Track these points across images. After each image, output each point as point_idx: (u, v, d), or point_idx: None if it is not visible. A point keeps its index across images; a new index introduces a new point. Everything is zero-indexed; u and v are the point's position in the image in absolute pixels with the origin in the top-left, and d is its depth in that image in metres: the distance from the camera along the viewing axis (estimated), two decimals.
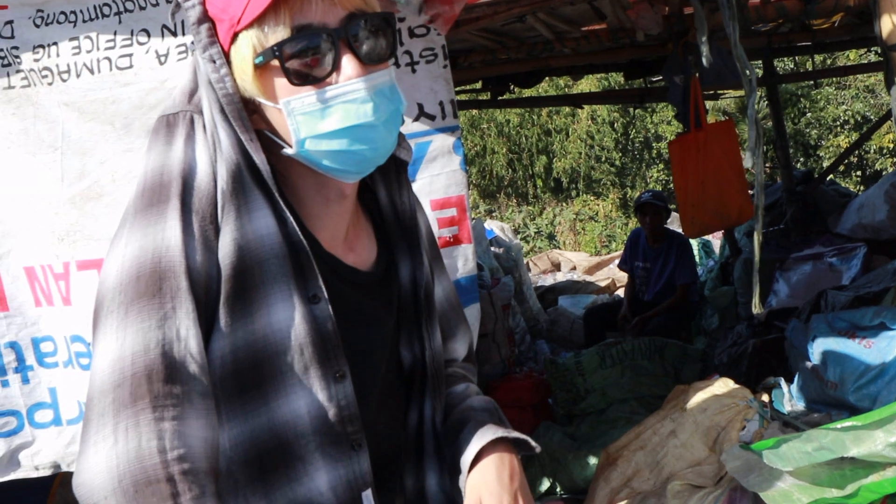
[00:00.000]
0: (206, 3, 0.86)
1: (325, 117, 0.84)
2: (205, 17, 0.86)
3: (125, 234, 0.84)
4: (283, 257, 0.86)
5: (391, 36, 0.88)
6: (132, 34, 1.55)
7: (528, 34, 3.50)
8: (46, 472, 1.70)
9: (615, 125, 11.85)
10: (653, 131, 11.97)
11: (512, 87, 4.58)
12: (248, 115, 0.87)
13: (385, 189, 1.02)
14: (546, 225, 11.06)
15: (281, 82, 0.84)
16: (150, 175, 0.85)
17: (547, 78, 5.45)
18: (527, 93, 5.44)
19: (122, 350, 0.78)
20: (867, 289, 2.95)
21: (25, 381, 1.68)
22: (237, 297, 0.84)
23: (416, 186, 1.89)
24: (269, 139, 0.89)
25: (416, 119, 1.88)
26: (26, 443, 1.70)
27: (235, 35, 0.84)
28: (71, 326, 1.63)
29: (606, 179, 11.88)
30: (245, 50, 0.84)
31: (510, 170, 11.87)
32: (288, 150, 0.87)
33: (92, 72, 1.56)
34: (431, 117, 1.88)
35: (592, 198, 11.60)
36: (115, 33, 1.55)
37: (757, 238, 1.83)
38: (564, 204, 11.65)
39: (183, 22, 1.53)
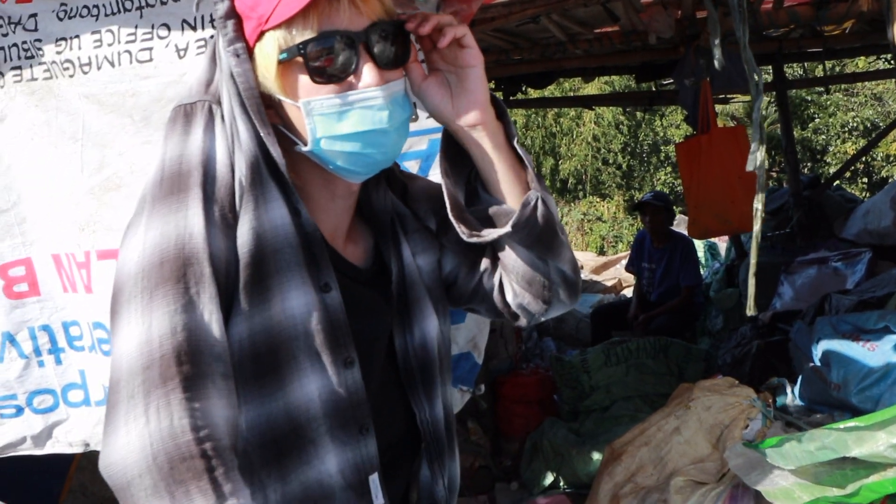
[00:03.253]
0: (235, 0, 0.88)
1: (342, 120, 0.87)
2: (232, 13, 0.87)
3: (144, 221, 0.85)
4: (296, 247, 0.88)
5: (407, 45, 0.92)
6: (153, 28, 1.56)
7: (542, 35, 3.54)
8: (78, 449, 1.76)
9: (620, 128, 11.87)
10: (661, 135, 11.98)
11: (524, 87, 4.61)
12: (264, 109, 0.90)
13: (368, 188, 1.04)
14: None
15: (303, 81, 0.87)
16: (168, 164, 0.86)
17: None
18: (535, 94, 5.47)
19: (149, 333, 0.79)
20: (871, 293, 2.98)
21: (59, 362, 1.74)
22: (254, 283, 0.86)
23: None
24: (283, 134, 0.91)
25: (430, 116, 1.90)
26: (61, 420, 1.75)
27: (262, 33, 0.86)
28: (93, 313, 1.66)
29: (612, 182, 11.91)
30: (270, 48, 0.86)
31: None
32: (301, 148, 0.90)
33: (112, 65, 1.58)
34: None
35: (598, 199, 11.62)
36: (136, 27, 1.57)
37: (754, 242, 1.87)
38: (572, 204, 11.68)
39: (203, 17, 1.55)
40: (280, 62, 0.86)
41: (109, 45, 1.57)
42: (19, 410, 1.75)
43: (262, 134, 0.87)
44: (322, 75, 0.86)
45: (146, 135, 1.58)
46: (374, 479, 0.94)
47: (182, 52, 1.56)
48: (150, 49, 1.57)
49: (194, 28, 1.56)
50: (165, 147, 0.87)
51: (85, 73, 1.59)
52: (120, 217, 1.59)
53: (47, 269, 1.71)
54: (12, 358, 1.74)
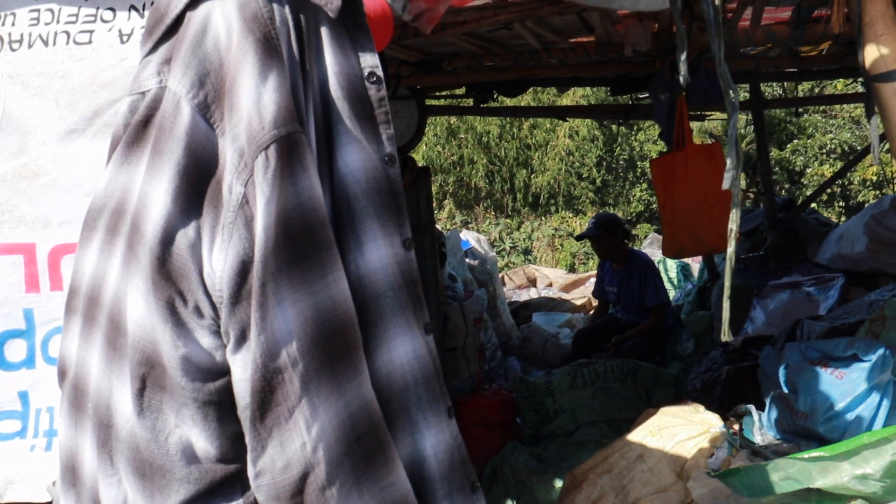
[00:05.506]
0: None
1: None
2: None
3: (281, 295, 0.71)
4: (398, 288, 0.80)
5: None
6: (97, 10, 1.48)
7: (515, 42, 3.45)
8: None
9: (596, 142, 11.70)
10: (638, 150, 11.90)
11: (496, 95, 4.51)
12: None
13: None
14: (524, 239, 10.93)
15: None
16: (285, 218, 0.71)
17: (531, 90, 5.39)
18: (510, 102, 5.38)
19: (348, 411, 0.72)
20: (843, 320, 2.91)
21: None
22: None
23: None
24: None
25: None
26: None
27: None
28: None
29: (585, 197, 11.72)
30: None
31: (488, 182, 11.64)
32: None
33: (46, 44, 1.48)
34: None
35: (571, 214, 11.47)
36: (79, 8, 1.48)
37: (728, 264, 1.72)
38: (543, 219, 11.51)
39: (152, 3, 1.46)
40: None
41: (47, 23, 1.47)
42: None
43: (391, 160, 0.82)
44: None
45: (72, 122, 1.47)
46: None
47: (125, 38, 1.47)
48: (91, 32, 1.48)
49: (142, 14, 1.47)
50: (273, 194, 0.70)
51: (14, 49, 1.48)
52: (35, 208, 1.48)
53: None
54: None
